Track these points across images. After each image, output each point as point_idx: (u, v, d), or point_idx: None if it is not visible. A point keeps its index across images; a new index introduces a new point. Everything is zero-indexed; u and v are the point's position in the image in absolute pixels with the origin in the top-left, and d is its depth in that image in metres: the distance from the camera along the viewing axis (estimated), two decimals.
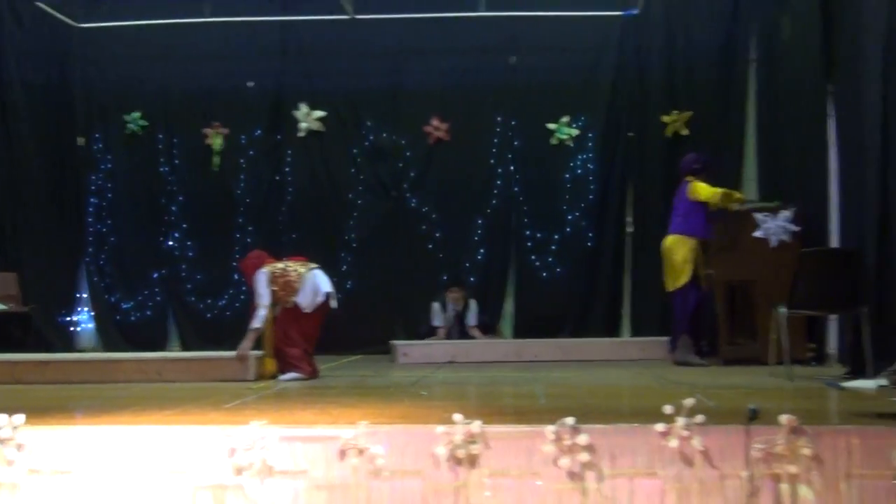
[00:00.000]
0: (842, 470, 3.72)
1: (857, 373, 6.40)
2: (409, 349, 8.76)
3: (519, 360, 8.97)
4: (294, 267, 7.72)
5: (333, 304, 7.73)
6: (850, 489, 3.71)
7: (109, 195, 11.55)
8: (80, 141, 11.59)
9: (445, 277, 10.78)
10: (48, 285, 11.22)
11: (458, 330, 10.41)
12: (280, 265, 7.74)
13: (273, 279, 7.62)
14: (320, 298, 7.59)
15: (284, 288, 7.61)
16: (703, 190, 8.61)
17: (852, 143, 7.35)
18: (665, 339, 9.52)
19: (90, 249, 11.51)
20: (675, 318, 8.93)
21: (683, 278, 8.66)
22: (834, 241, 8.05)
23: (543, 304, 11.10)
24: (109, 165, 11.59)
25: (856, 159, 7.18)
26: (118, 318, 11.42)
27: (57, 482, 3.95)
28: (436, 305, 10.39)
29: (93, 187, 11.56)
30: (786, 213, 8.45)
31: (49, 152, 11.36)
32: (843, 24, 7.78)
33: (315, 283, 7.63)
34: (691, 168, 8.92)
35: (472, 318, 10.42)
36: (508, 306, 11.29)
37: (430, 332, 10.42)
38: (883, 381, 5.22)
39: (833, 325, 8.04)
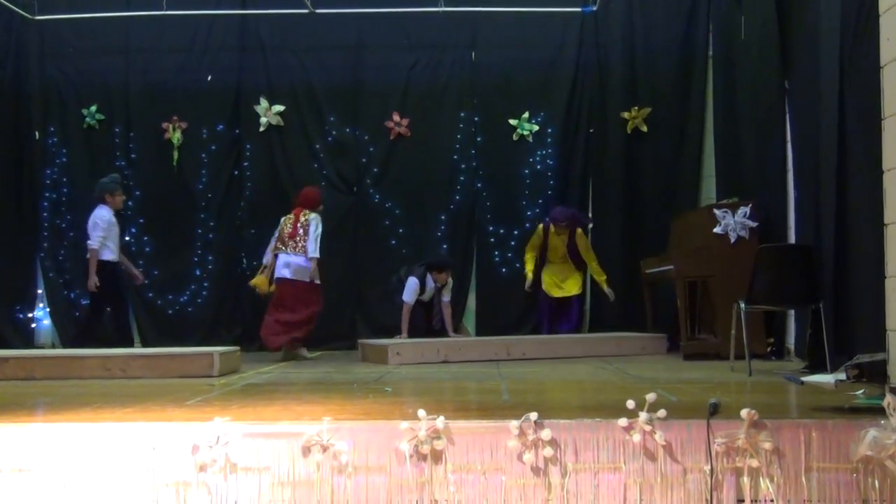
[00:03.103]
0: (802, 463, 3.77)
1: (816, 367, 6.48)
2: (401, 348, 8.70)
3: (509, 357, 8.94)
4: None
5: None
6: (810, 482, 3.76)
7: (65, 189, 11.41)
8: (37, 135, 11.47)
9: (435, 259, 10.63)
10: (5, 281, 11.08)
11: (439, 306, 10.44)
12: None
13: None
14: None
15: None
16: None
17: (808, 140, 7.42)
18: (653, 335, 9.84)
19: (45, 245, 11.38)
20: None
21: None
22: (793, 237, 8.14)
23: (504, 300, 11.15)
24: (65, 159, 11.46)
25: (812, 156, 7.25)
26: (77, 314, 11.28)
27: (16, 480, 3.90)
28: (413, 281, 10.27)
29: (48, 182, 11.42)
30: (744, 210, 8.52)
31: (5, 146, 11.22)
32: (799, 22, 7.86)
33: None
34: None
35: (446, 294, 10.44)
36: (471, 302, 11.32)
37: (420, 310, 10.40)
38: (841, 376, 5.27)
39: (791, 319, 8.13)
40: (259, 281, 9.66)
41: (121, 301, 9.64)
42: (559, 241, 10.35)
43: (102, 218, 9.31)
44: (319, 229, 9.42)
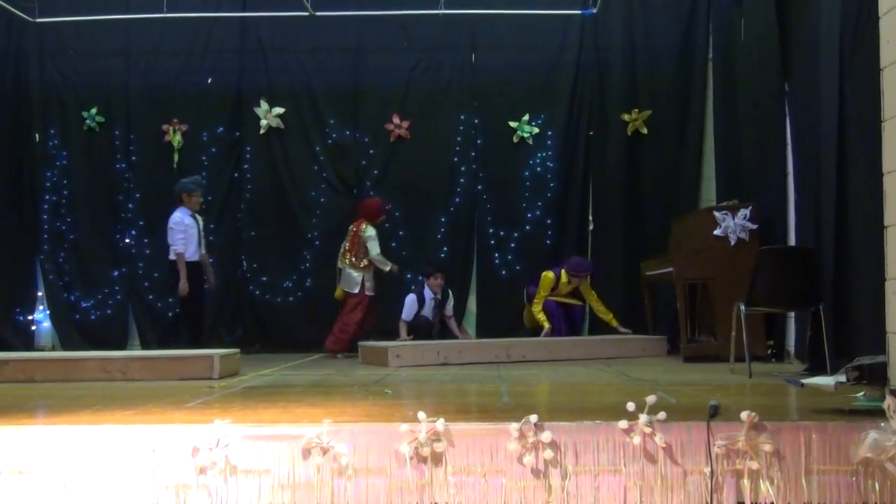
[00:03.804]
0: (802, 465, 3.76)
1: (816, 369, 6.48)
2: (401, 351, 8.68)
3: (509, 359, 8.92)
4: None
5: None
6: (811, 484, 3.75)
7: (66, 192, 11.42)
8: (37, 137, 11.48)
9: (429, 263, 10.87)
10: (5, 283, 11.07)
11: (439, 319, 10.50)
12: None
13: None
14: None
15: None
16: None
17: (808, 143, 7.42)
18: (653, 337, 9.84)
19: (46, 247, 11.38)
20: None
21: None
22: (793, 239, 8.13)
23: (505, 301, 11.14)
24: (65, 162, 11.46)
25: (812, 158, 7.24)
26: (77, 316, 11.30)
27: (16, 483, 3.90)
28: (411, 297, 10.38)
29: (48, 184, 11.43)
30: (744, 212, 8.52)
31: (5, 148, 11.22)
32: (799, 24, 7.86)
33: None
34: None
35: (450, 308, 10.49)
36: (472, 304, 11.31)
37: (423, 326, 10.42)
38: (841, 378, 5.27)
39: (791, 321, 8.12)
40: (339, 292, 10.18)
41: (200, 301, 9.63)
42: (568, 286, 10.44)
43: (175, 221, 9.34)
44: (376, 251, 10.00)
